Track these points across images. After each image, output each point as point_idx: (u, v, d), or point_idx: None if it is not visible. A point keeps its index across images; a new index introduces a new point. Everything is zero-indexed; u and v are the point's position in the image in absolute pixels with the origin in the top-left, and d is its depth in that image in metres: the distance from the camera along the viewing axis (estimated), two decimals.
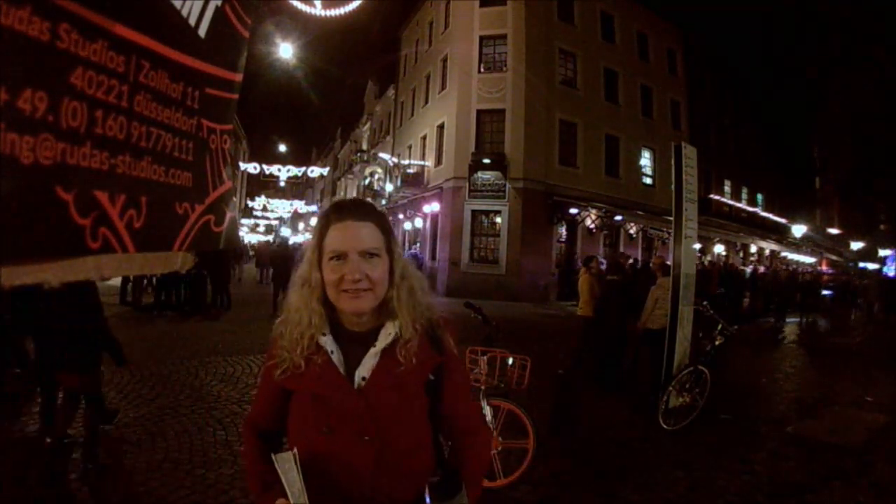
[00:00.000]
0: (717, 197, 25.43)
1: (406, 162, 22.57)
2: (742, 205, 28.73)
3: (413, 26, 25.35)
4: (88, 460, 3.39)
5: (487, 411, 3.48)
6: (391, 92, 27.78)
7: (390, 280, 1.15)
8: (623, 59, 21.27)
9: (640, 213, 19.80)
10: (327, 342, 1.13)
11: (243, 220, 39.51)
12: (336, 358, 1.13)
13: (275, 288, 11.44)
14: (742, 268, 18.01)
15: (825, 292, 18.98)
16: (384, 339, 1.13)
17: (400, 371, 1.11)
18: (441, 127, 20.19)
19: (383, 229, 1.15)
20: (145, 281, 11.36)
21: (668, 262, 6.06)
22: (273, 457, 1.03)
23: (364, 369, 1.12)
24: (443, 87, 20.32)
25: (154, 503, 3.08)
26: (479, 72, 18.82)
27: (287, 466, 1.02)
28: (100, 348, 3.82)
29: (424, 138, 21.93)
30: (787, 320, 14.02)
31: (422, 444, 1.15)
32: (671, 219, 5.62)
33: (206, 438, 4.09)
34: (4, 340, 4.46)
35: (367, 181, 28.20)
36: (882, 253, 29.64)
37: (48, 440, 3.61)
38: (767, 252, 29.80)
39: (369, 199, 26.12)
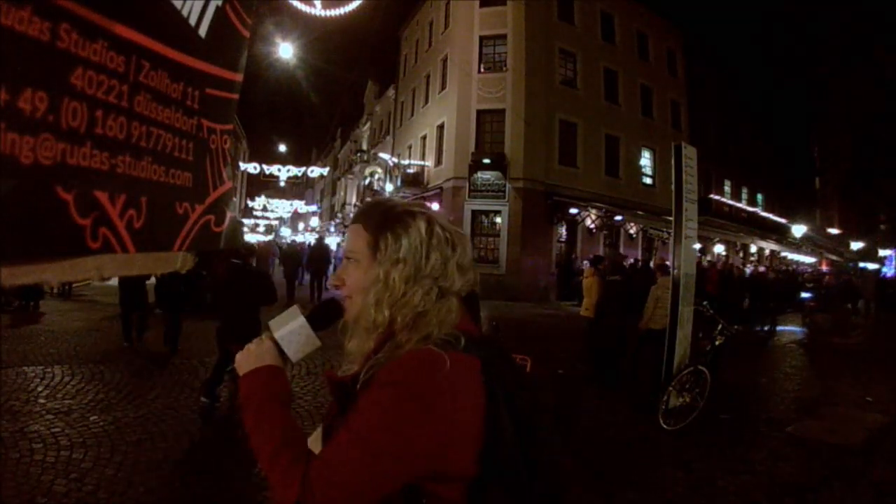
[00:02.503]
0: (717, 197, 25.42)
1: (406, 162, 22.57)
2: (742, 205, 28.72)
3: (413, 26, 25.35)
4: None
5: None
6: (391, 92, 27.77)
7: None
8: (623, 59, 21.26)
9: (640, 213, 19.80)
10: None
11: (243, 220, 39.49)
12: None
13: (310, 289, 12.85)
14: (739, 267, 17.70)
15: (804, 295, 15.94)
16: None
17: None
18: (441, 127, 20.19)
19: (371, 230, 0.94)
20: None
21: (668, 262, 6.06)
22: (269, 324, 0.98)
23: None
24: (443, 87, 20.32)
25: (154, 503, 3.08)
26: (479, 72, 18.82)
27: (290, 319, 0.97)
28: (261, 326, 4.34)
29: (424, 138, 21.93)
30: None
31: None
32: (671, 219, 5.62)
33: (206, 438, 4.09)
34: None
35: (367, 181, 28.20)
36: (882, 253, 29.66)
37: (203, 400, 4.62)
38: (767, 252, 29.80)
39: (368, 199, 25.98)
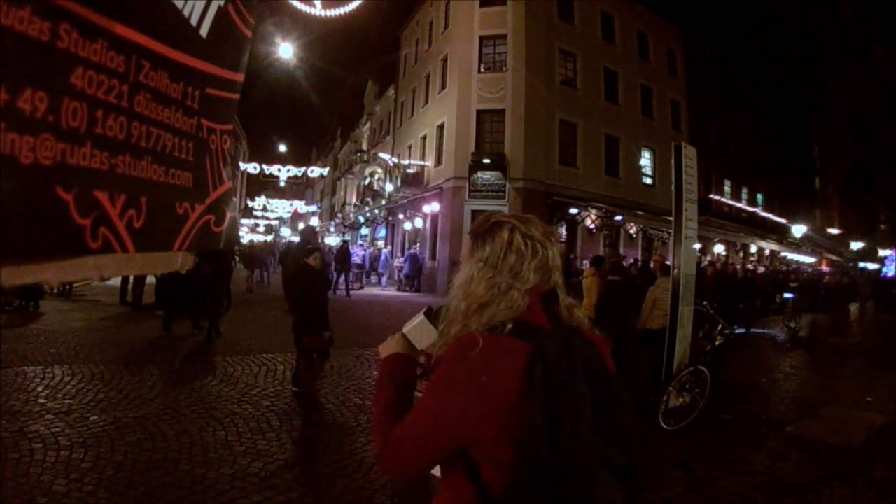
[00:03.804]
0: (717, 197, 25.42)
1: (406, 162, 22.56)
2: (742, 205, 28.72)
3: (413, 26, 25.35)
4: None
5: None
6: (391, 92, 27.76)
7: None
8: (623, 59, 21.26)
9: (640, 213, 19.79)
10: None
11: (243, 220, 39.51)
12: None
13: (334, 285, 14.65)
14: (738, 267, 17.49)
15: (787, 295, 14.83)
16: None
17: None
18: (441, 127, 20.19)
19: (472, 239, 1.15)
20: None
21: (668, 263, 6.06)
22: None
23: None
24: (443, 87, 20.31)
25: (154, 503, 3.08)
26: (479, 72, 18.82)
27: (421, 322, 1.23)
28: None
29: (424, 138, 21.93)
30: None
31: None
32: (671, 219, 5.62)
33: (206, 438, 4.09)
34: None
35: (367, 181, 28.20)
36: (882, 253, 29.66)
37: (294, 389, 5.36)
38: (767, 252, 29.81)
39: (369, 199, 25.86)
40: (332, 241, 29.40)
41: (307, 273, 5.20)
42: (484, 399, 0.96)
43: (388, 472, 1.07)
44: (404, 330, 1.23)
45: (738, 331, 10.09)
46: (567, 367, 1.00)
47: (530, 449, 0.95)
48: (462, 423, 0.97)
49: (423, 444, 1.00)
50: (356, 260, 18.37)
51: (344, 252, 16.49)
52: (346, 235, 29.88)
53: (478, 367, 0.97)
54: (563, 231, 19.23)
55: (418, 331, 1.22)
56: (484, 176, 18.09)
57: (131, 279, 10.37)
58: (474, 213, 18.42)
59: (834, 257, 31.86)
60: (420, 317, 1.23)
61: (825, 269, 26.10)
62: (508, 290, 1.06)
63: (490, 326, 1.03)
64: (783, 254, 30.21)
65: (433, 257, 19.67)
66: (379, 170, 25.87)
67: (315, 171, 35.91)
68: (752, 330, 11.52)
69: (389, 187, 24.23)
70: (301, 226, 31.64)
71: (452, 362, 1.00)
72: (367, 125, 33.47)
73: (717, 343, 5.44)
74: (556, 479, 0.94)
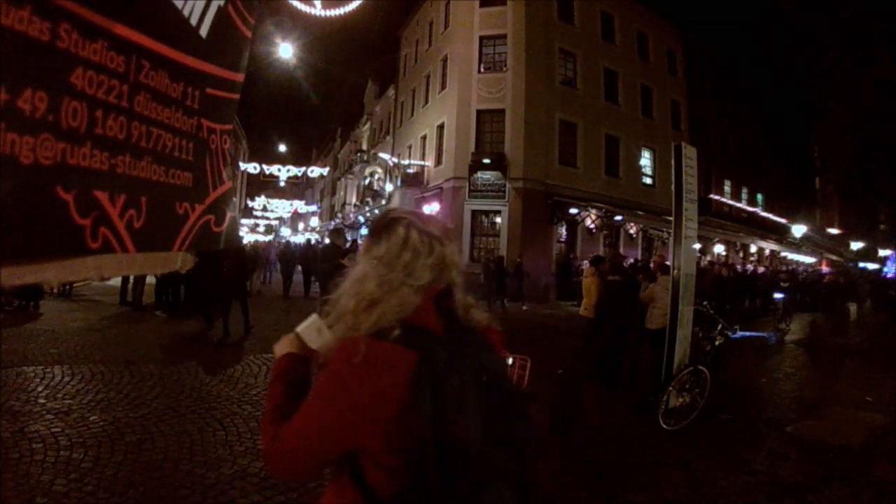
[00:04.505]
0: (717, 197, 25.43)
1: (406, 162, 22.57)
2: (742, 205, 28.72)
3: (413, 26, 25.35)
4: None
5: None
6: (391, 92, 27.77)
7: None
8: (623, 59, 21.26)
9: (640, 213, 19.80)
10: None
11: (243, 220, 39.49)
12: None
13: None
14: (721, 266, 17.32)
15: (777, 295, 14.24)
16: None
17: None
18: (441, 127, 20.19)
19: (369, 236, 1.13)
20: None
21: (668, 263, 6.07)
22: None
23: None
24: (443, 87, 20.32)
25: (154, 503, 3.08)
26: (479, 72, 18.82)
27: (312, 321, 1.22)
28: None
29: (424, 138, 21.93)
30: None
31: None
32: (671, 219, 5.62)
33: (206, 438, 4.08)
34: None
35: (367, 181, 28.20)
36: (882, 253, 29.65)
37: None
38: (767, 252, 29.81)
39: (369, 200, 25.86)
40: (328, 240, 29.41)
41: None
42: (364, 409, 0.94)
43: (274, 473, 1.04)
44: (297, 329, 1.22)
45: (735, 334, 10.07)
46: (457, 377, 0.97)
47: (417, 461, 0.92)
48: (344, 430, 0.96)
49: (308, 446, 0.98)
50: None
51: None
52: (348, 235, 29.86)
53: (359, 377, 0.95)
54: (563, 231, 19.25)
55: (311, 330, 1.20)
56: (484, 176, 18.09)
57: (131, 279, 10.37)
58: (474, 213, 18.45)
59: (834, 257, 31.86)
60: (313, 316, 1.22)
61: (825, 269, 26.07)
62: (400, 286, 1.02)
63: (378, 329, 0.99)
64: (783, 254, 30.21)
65: None
66: (379, 170, 25.87)
67: (315, 171, 35.89)
68: (740, 333, 11.23)
69: (389, 187, 24.23)
70: (299, 224, 31.64)
71: (337, 367, 0.98)
72: (367, 125, 33.47)
73: (717, 343, 5.44)
74: (445, 491, 0.92)
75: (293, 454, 0.99)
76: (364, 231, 29.38)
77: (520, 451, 1.00)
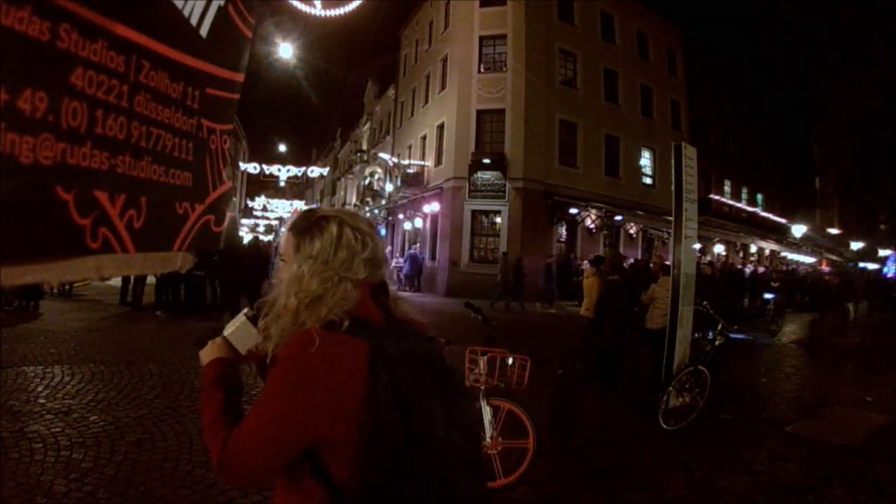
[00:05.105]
0: (717, 197, 25.42)
1: (406, 162, 22.57)
2: (742, 205, 28.72)
3: (413, 26, 25.35)
4: None
5: (487, 411, 3.48)
6: (391, 92, 27.77)
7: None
8: (623, 59, 21.26)
9: (640, 213, 19.80)
10: None
11: (243, 220, 39.48)
12: None
13: None
14: (738, 267, 17.18)
15: (767, 296, 13.79)
16: None
17: None
18: (441, 127, 20.19)
19: (295, 235, 1.10)
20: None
21: (668, 263, 6.07)
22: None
23: None
24: (443, 87, 20.32)
25: (154, 503, 3.08)
26: (479, 72, 18.82)
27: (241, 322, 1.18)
28: None
29: (424, 138, 21.93)
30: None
31: None
32: (671, 219, 5.62)
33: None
34: None
35: (366, 181, 28.20)
36: (882, 253, 29.63)
37: None
38: (767, 252, 29.81)
39: (369, 201, 25.86)
40: None
41: None
42: (326, 399, 0.95)
43: (231, 480, 1.00)
44: (225, 333, 1.19)
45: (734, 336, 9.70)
46: (410, 362, 1.01)
47: (385, 449, 0.94)
48: (307, 423, 0.95)
49: (269, 447, 0.96)
50: None
51: None
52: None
53: (318, 366, 0.95)
54: (563, 231, 19.25)
55: (240, 333, 1.18)
56: (484, 176, 18.09)
57: (132, 279, 10.37)
58: (474, 213, 18.45)
59: (834, 257, 31.86)
60: (241, 318, 1.19)
61: (826, 268, 26.06)
62: (341, 282, 1.05)
63: (327, 322, 1.00)
64: (783, 254, 30.21)
65: (433, 257, 19.67)
66: (379, 170, 25.87)
67: (315, 171, 35.90)
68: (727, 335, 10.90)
69: (389, 187, 24.23)
70: None
71: (292, 361, 0.97)
72: (367, 125, 33.48)
73: (717, 343, 5.44)
74: (416, 476, 0.95)
75: (251, 454, 0.96)
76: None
77: (472, 432, 1.08)
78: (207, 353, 1.18)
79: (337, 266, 1.05)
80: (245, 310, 1.23)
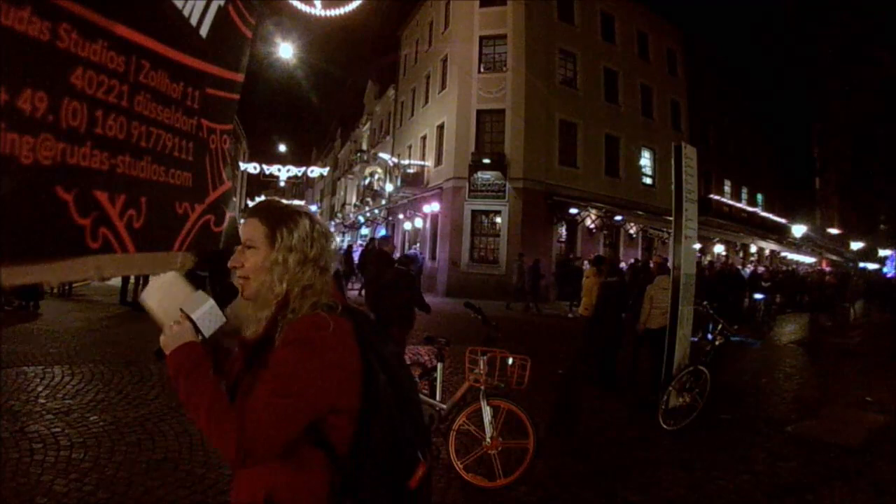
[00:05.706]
0: (717, 197, 25.43)
1: (406, 162, 22.57)
2: (742, 205, 28.73)
3: (413, 26, 25.35)
4: None
5: (487, 411, 3.49)
6: (391, 92, 27.77)
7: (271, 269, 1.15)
8: (623, 59, 21.26)
9: (640, 213, 19.80)
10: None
11: (243, 221, 39.37)
12: None
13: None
14: (738, 267, 17.05)
15: (757, 296, 13.47)
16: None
17: None
18: (441, 127, 20.19)
19: (268, 224, 1.16)
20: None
21: (668, 263, 6.06)
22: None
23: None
24: (443, 87, 20.32)
25: (154, 503, 3.08)
26: (479, 72, 18.82)
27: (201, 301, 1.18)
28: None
29: (424, 138, 21.93)
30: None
31: None
32: (671, 219, 5.62)
33: (205, 438, 4.08)
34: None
35: (367, 181, 28.20)
36: (882, 253, 29.65)
37: None
38: (767, 252, 29.81)
39: (362, 204, 25.79)
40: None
41: (407, 278, 5.46)
42: (338, 373, 1.07)
43: (256, 460, 1.00)
44: (193, 317, 1.14)
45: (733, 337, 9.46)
46: (380, 338, 1.20)
47: (384, 410, 1.11)
48: (324, 395, 1.06)
49: (291, 423, 1.03)
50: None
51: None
52: (348, 236, 29.87)
53: (332, 345, 1.07)
54: (563, 231, 19.25)
55: (208, 317, 1.16)
56: (484, 176, 18.09)
57: (132, 279, 10.37)
58: (474, 213, 18.44)
59: (834, 257, 31.86)
60: (207, 300, 1.17)
61: (827, 268, 26.06)
62: (322, 273, 1.17)
63: (326, 306, 1.12)
64: (783, 254, 30.21)
65: (433, 257, 19.67)
66: (379, 170, 25.86)
67: (315, 171, 35.91)
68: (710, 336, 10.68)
69: (389, 187, 24.23)
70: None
71: (308, 341, 1.07)
72: (367, 125, 33.46)
73: (717, 343, 5.44)
74: (405, 430, 1.14)
75: (277, 432, 1.02)
76: (365, 231, 29.38)
77: (415, 384, 1.29)
78: (176, 338, 1.12)
79: (315, 257, 1.16)
80: (201, 291, 1.23)
